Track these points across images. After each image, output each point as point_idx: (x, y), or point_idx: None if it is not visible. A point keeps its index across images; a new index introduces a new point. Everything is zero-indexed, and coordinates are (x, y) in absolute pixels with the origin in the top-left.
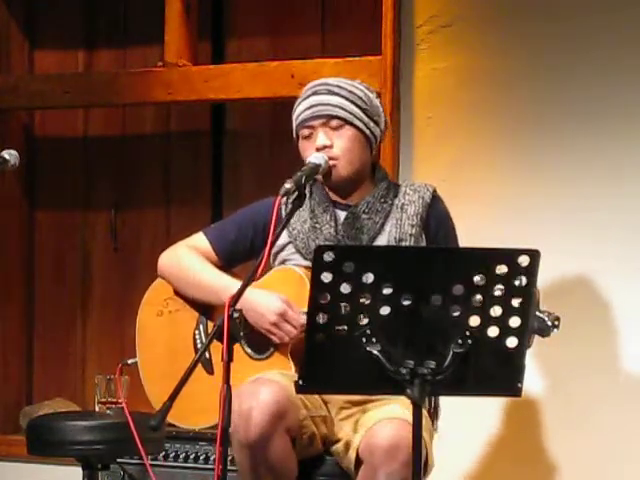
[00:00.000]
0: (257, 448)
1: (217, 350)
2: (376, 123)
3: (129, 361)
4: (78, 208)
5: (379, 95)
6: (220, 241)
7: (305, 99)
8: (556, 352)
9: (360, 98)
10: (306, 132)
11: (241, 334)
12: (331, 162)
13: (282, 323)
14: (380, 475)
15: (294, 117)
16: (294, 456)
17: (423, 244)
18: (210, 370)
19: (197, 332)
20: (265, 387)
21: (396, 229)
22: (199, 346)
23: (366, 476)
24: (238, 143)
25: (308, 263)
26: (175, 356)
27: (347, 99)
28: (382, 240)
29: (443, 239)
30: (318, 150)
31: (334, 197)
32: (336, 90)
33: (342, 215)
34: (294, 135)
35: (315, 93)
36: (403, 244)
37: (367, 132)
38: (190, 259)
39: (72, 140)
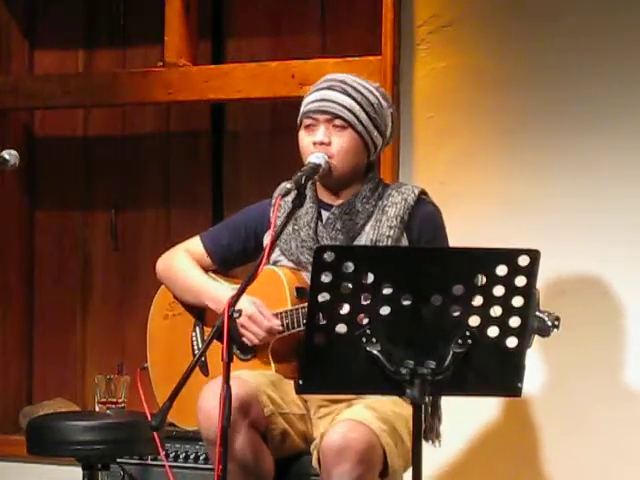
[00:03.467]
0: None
1: (211, 351)
2: (380, 133)
3: (145, 365)
4: (78, 208)
5: (393, 104)
6: (214, 245)
7: (318, 90)
8: (556, 352)
9: (371, 105)
10: (308, 122)
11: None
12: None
13: (250, 325)
14: (333, 476)
15: (303, 104)
16: (266, 452)
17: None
18: (205, 372)
19: (194, 335)
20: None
21: (374, 230)
22: (195, 348)
23: (323, 476)
24: (238, 143)
25: (291, 264)
26: (175, 359)
27: (359, 103)
28: (361, 241)
29: (428, 242)
30: (315, 144)
31: (323, 197)
32: (350, 91)
33: (325, 215)
34: (298, 122)
35: (330, 88)
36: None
37: (368, 140)
38: (180, 262)
39: (72, 140)
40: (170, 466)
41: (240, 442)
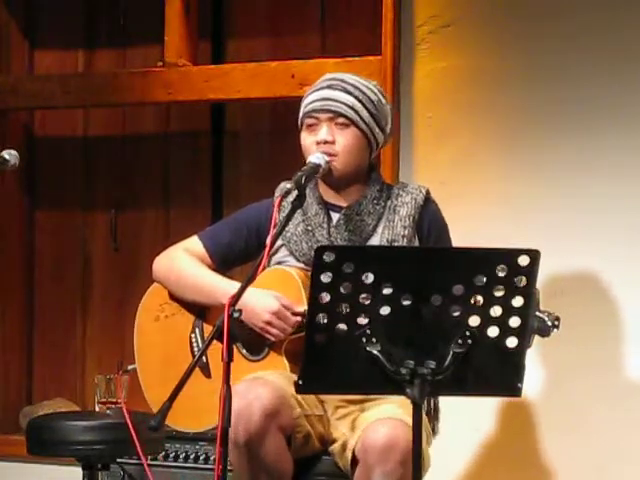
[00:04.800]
0: (250, 447)
1: (213, 353)
2: (381, 129)
3: (129, 367)
4: (78, 208)
5: (392, 104)
6: (214, 244)
7: (318, 90)
8: (556, 352)
9: (372, 102)
10: (310, 122)
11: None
12: (329, 158)
13: (276, 321)
14: (375, 475)
15: (303, 105)
16: (289, 455)
17: (416, 245)
18: (207, 373)
19: (193, 335)
20: (257, 386)
21: (388, 231)
22: (196, 349)
23: (361, 476)
24: (238, 143)
25: (302, 265)
26: (172, 360)
27: (359, 101)
28: (374, 242)
29: (436, 240)
30: (319, 144)
31: (327, 198)
32: (351, 89)
33: (335, 217)
34: (299, 123)
35: (330, 87)
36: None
37: (370, 137)
38: (183, 261)
39: (72, 140)
40: (170, 466)
41: (267, 446)
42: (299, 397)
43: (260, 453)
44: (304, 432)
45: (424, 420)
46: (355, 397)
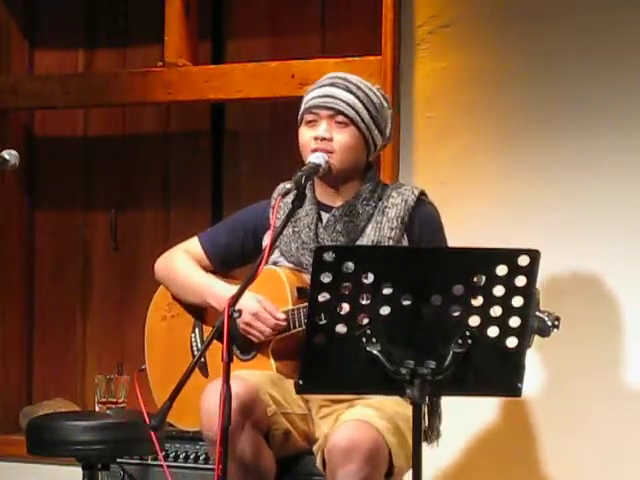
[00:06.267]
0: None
1: (212, 353)
2: (380, 132)
3: (143, 366)
4: (78, 208)
5: (392, 105)
6: (212, 246)
7: (320, 87)
8: (556, 352)
9: (373, 104)
10: (310, 118)
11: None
12: (327, 156)
13: (255, 322)
14: (339, 476)
15: (304, 101)
16: (268, 452)
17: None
18: (205, 373)
19: (193, 336)
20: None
21: (375, 232)
22: (195, 350)
23: (329, 476)
24: (238, 143)
25: (291, 265)
26: (174, 360)
27: (361, 101)
28: (362, 243)
29: (428, 242)
30: (317, 139)
31: (322, 198)
32: (353, 89)
33: (325, 217)
34: (299, 119)
35: (332, 85)
36: None
37: (369, 137)
38: (180, 261)
39: (72, 140)
40: (170, 466)
41: (242, 443)
42: (276, 394)
43: (237, 450)
44: (282, 429)
45: (407, 422)
46: (338, 396)
